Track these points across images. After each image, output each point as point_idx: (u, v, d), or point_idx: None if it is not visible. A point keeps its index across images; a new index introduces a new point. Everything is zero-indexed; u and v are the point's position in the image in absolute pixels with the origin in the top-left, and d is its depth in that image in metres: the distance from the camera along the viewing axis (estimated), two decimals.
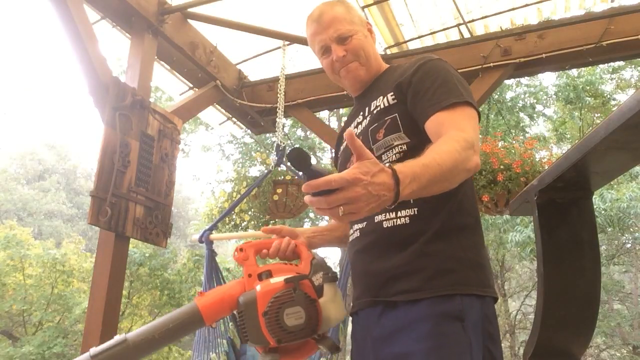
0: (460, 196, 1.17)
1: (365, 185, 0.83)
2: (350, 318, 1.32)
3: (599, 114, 9.57)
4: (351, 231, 1.28)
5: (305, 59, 3.67)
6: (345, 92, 3.51)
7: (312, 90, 3.65)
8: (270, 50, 3.67)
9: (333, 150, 1.54)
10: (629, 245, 11.03)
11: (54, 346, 10.23)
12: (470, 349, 1.05)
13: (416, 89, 1.19)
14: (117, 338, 0.98)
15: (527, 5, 3.49)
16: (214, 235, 3.18)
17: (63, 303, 10.91)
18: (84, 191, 23.82)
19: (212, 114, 4.08)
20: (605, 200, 7.29)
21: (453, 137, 1.04)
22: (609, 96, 9.70)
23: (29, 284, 10.90)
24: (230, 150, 10.23)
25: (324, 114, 10.68)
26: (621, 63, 9.08)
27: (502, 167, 2.94)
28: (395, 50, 3.71)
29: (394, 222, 1.17)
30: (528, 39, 3.14)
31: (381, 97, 1.27)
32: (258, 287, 1.05)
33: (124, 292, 9.67)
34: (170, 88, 3.89)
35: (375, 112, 1.27)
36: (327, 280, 1.10)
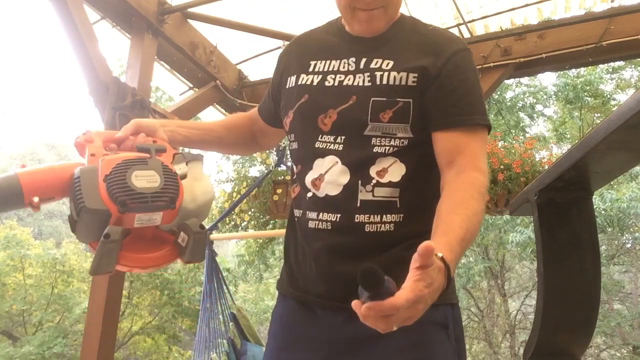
0: None
1: (426, 300, 0.74)
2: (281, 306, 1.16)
3: (599, 114, 9.57)
4: (312, 214, 1.06)
5: None
6: None
7: None
8: (270, 50, 3.67)
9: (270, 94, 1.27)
10: (629, 245, 11.03)
11: (54, 346, 10.23)
12: (456, 357, 1.02)
13: (442, 84, 1.02)
14: None
15: (527, 5, 3.49)
16: (214, 235, 3.18)
17: (63, 303, 10.92)
18: None
19: (212, 114, 4.08)
20: (605, 200, 7.29)
21: (476, 186, 0.94)
22: (609, 96, 9.70)
23: (29, 284, 10.90)
24: None
25: None
26: (621, 63, 9.08)
27: (502, 167, 2.94)
28: None
29: (377, 226, 1.02)
30: (528, 39, 3.14)
31: (390, 63, 1.05)
32: (101, 159, 0.87)
33: (124, 292, 9.66)
34: (170, 88, 3.89)
35: (382, 79, 1.04)
36: (190, 159, 0.97)
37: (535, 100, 9.64)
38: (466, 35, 3.57)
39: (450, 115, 1.01)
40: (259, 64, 3.82)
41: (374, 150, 1.03)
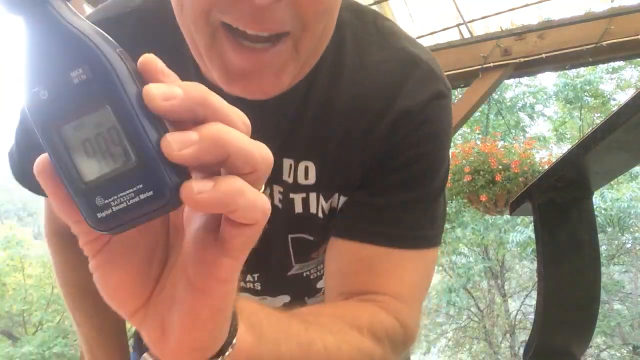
0: None
1: None
2: None
3: (599, 114, 9.57)
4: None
5: None
6: None
7: None
8: None
9: None
10: (629, 245, 11.03)
11: (54, 346, 10.24)
12: None
13: (389, 187, 0.62)
14: None
15: (527, 5, 3.49)
16: None
17: (63, 303, 10.91)
18: None
19: None
20: (605, 200, 7.30)
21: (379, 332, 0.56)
22: (609, 96, 9.71)
23: (29, 284, 10.91)
24: None
25: None
26: (621, 63, 9.08)
27: (500, 167, 2.95)
28: None
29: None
30: (528, 39, 3.14)
31: (311, 169, 0.62)
32: None
33: None
34: None
35: (302, 205, 0.64)
36: None
37: (535, 100, 9.65)
38: (466, 35, 3.58)
39: (384, 228, 0.61)
40: None
41: (312, 278, 0.80)
